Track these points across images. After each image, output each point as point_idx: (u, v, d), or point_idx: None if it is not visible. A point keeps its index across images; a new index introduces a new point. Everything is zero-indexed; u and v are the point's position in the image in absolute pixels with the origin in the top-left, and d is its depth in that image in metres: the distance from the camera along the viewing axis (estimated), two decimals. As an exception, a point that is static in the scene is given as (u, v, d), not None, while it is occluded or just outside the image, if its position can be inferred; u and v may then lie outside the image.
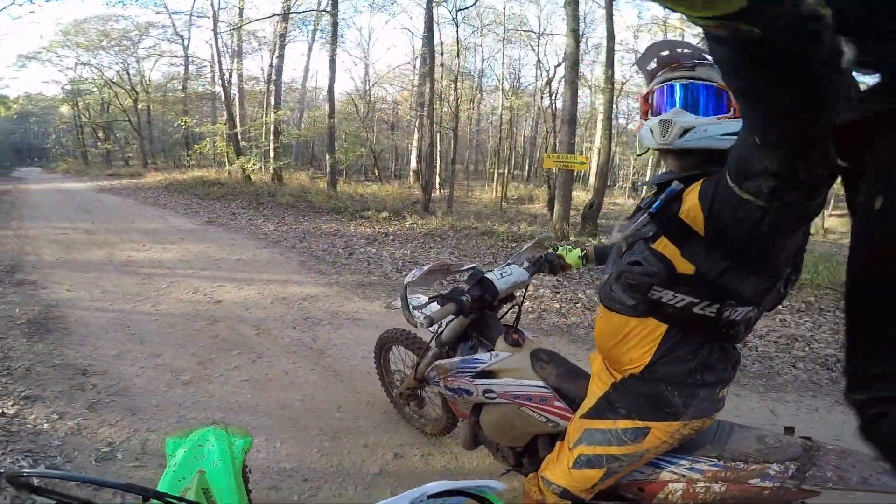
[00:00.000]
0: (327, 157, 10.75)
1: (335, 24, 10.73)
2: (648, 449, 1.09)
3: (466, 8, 10.12)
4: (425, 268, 1.50)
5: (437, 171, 14.47)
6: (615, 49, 11.06)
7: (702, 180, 0.93)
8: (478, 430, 1.60)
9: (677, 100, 1.01)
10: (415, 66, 15.98)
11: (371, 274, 4.89)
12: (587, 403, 1.18)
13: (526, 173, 23.29)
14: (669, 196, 0.98)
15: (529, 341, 1.47)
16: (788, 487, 1.08)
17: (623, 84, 17.19)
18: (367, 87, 18.89)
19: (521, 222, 8.89)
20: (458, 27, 11.13)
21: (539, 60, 18.29)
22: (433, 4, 8.93)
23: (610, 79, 10.60)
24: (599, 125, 12.24)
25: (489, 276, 1.45)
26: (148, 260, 5.00)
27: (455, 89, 12.73)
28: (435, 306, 1.30)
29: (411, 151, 15.88)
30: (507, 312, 1.67)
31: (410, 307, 1.35)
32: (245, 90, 15.87)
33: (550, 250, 1.69)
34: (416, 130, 14.92)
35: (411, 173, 14.68)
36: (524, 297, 1.66)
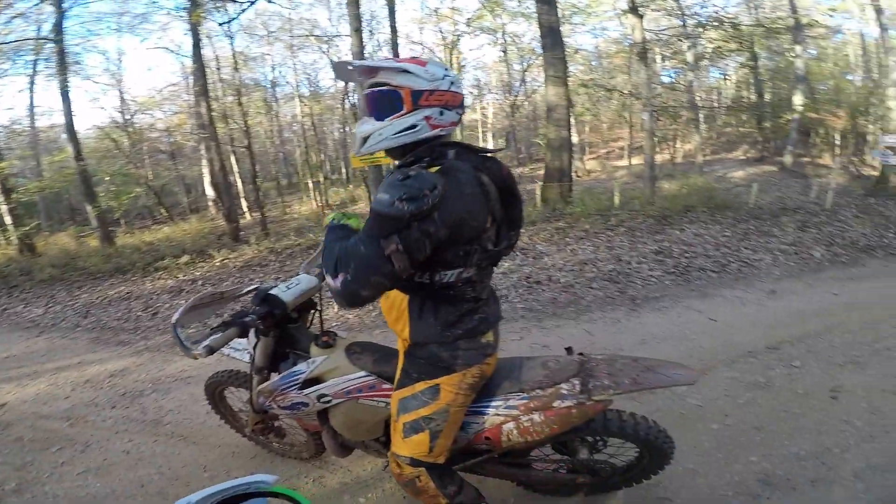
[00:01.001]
0: (88, 207, 8.82)
1: (62, 53, 8.79)
2: (449, 403, 1.25)
3: (227, 22, 9.19)
4: (188, 303, 1.44)
5: (242, 195, 13.23)
6: (399, 43, 11.65)
7: None
8: (338, 436, 1.64)
9: (366, 110, 1.19)
10: (189, 85, 14.14)
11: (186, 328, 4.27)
12: (396, 377, 1.33)
13: (344, 176, 22.91)
14: None
15: (341, 339, 1.55)
16: (583, 401, 1.26)
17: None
18: (128, 117, 16.08)
19: (345, 226, 8.72)
20: (232, 39, 10.15)
21: (332, 63, 17.93)
22: (196, 22, 7.93)
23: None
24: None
25: (274, 291, 1.47)
26: None
27: (240, 104, 11.69)
28: (217, 335, 1.27)
29: (204, 179, 14.12)
30: (311, 320, 1.72)
31: (188, 343, 1.29)
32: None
33: None
34: (203, 155, 13.29)
35: (210, 203, 13.09)
36: (321, 301, 1.73)
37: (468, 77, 23.24)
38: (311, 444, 2.01)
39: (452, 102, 1.14)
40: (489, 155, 1.22)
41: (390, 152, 1.19)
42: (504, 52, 19.47)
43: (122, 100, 15.64)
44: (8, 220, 8.97)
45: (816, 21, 13.03)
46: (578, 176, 15.35)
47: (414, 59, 1.14)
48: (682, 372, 1.28)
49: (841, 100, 14.81)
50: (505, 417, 1.30)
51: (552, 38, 8.43)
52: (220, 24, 8.94)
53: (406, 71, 1.10)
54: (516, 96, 16.15)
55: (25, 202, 10.71)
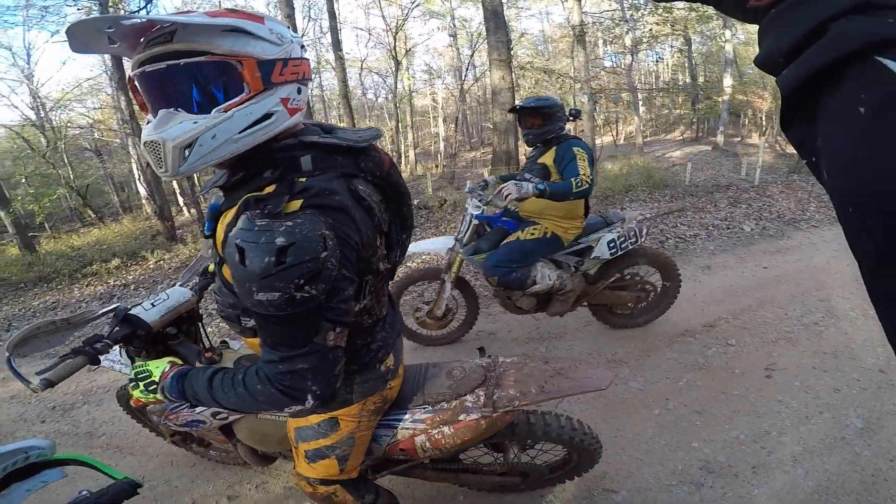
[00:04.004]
0: (1, 213, 8.03)
1: None
2: (351, 432, 1.12)
3: (141, 9, 8.49)
4: (22, 331, 1.27)
5: (178, 191, 12.45)
6: (340, 28, 11.44)
7: (237, 207, 0.79)
8: (252, 447, 1.55)
9: (160, 99, 0.75)
10: (109, 78, 13.11)
11: (75, 343, 4.03)
12: None
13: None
14: (213, 214, 0.88)
15: (230, 351, 1.47)
16: (489, 415, 1.19)
17: (363, 60, 18.48)
18: (44, 114, 14.66)
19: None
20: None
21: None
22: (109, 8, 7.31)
23: (340, 57, 10.77)
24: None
25: (134, 311, 1.34)
26: None
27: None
28: (61, 365, 1.09)
29: (136, 176, 13.18)
30: (198, 334, 1.62)
31: (25, 374, 1.11)
32: None
33: None
34: (131, 151, 12.38)
35: (143, 202, 12.25)
36: (200, 313, 1.60)
37: (418, 62, 22.93)
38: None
39: (307, 75, 0.83)
40: (363, 147, 0.90)
41: (222, 163, 0.81)
42: (453, 36, 19.32)
43: (35, 96, 14.26)
44: None
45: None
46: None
47: (239, 13, 0.74)
48: (594, 375, 1.22)
49: (766, 82, 15.76)
50: (414, 431, 1.24)
51: (495, 21, 8.39)
52: (140, 10, 8.23)
53: (241, 31, 0.72)
54: (465, 80, 16.10)
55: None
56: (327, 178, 0.80)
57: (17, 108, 21.80)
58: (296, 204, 0.74)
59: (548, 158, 2.36)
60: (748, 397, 2.27)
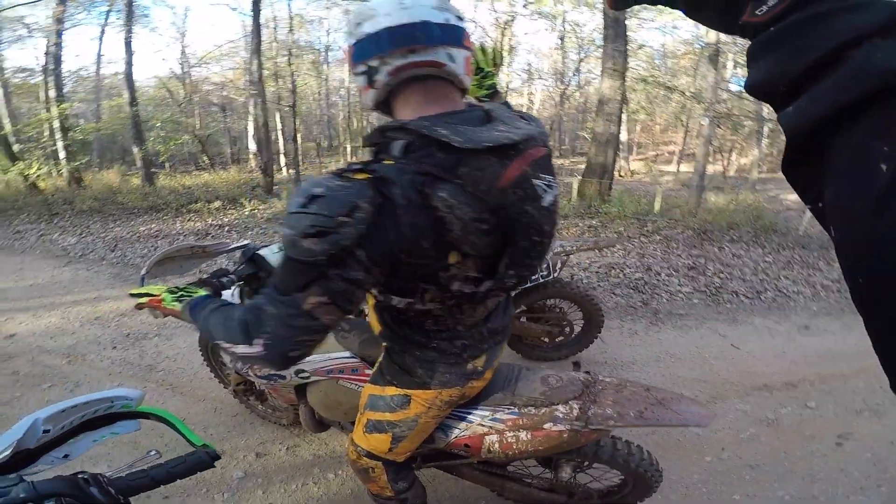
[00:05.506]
0: (135, 149, 9.24)
1: (130, 4, 9.40)
2: (418, 415, 1.10)
3: None
4: (160, 253, 1.33)
5: (282, 151, 13.51)
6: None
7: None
8: (315, 413, 1.57)
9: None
10: (246, 43, 14.57)
11: (204, 273, 4.33)
12: (374, 369, 1.19)
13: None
14: None
15: None
16: (578, 429, 1.12)
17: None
18: (187, 69, 16.58)
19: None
20: (290, 0, 10.23)
21: None
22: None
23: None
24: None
25: (263, 252, 1.35)
26: None
27: (290, 64, 11.85)
28: None
29: (249, 133, 14.50)
30: None
31: None
32: (14, 84, 12.73)
33: None
34: (251, 110, 13.65)
35: (251, 156, 13.44)
36: None
37: (519, 60, 22.65)
38: (292, 412, 1.99)
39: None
40: (485, 148, 0.75)
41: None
42: (561, 39, 18.85)
43: (183, 53, 16.14)
44: (62, 154, 9.46)
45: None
46: (621, 175, 14.81)
47: None
48: (696, 411, 1.12)
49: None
50: (488, 429, 1.18)
51: (616, 29, 8.02)
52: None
53: None
54: (567, 85, 15.62)
55: (82, 141, 11.32)
56: (401, 170, 0.74)
57: (166, 60, 24.73)
58: (364, 175, 0.73)
59: None
60: (810, 460, 2.11)
